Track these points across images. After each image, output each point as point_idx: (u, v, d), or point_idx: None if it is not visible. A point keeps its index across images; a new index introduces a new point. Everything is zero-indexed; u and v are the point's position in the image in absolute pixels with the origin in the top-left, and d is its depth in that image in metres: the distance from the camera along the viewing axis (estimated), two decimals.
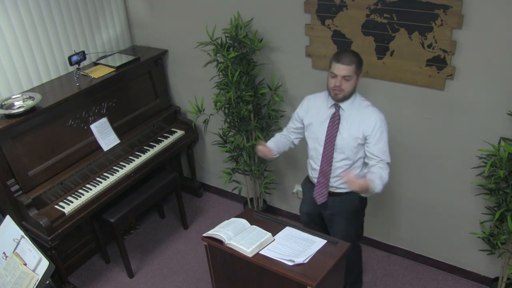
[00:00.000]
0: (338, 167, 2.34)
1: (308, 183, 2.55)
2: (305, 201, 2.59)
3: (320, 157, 2.37)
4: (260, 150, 2.42)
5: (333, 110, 2.31)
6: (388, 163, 2.26)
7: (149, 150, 3.32)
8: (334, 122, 2.30)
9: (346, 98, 2.26)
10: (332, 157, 2.33)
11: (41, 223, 2.63)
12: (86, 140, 3.05)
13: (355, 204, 2.43)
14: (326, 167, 2.36)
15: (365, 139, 2.26)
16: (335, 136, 2.30)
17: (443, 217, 2.86)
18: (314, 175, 2.45)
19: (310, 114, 2.41)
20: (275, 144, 2.50)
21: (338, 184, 2.38)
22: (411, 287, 2.97)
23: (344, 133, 2.29)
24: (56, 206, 2.79)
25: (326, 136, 2.33)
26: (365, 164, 2.36)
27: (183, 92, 3.66)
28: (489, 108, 2.42)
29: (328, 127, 2.32)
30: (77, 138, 3.01)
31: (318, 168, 2.39)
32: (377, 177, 2.18)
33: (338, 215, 2.43)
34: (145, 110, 3.46)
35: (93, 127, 3.08)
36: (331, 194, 2.41)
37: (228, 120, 3.11)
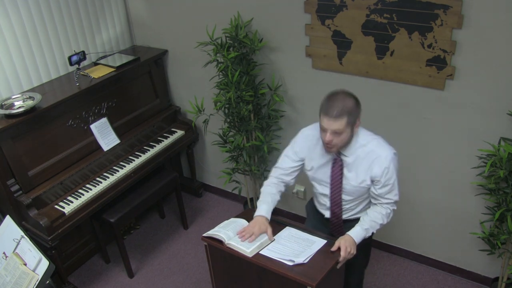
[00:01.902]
0: (345, 204, 2.20)
1: (314, 208, 2.38)
2: (310, 223, 2.45)
3: (328, 198, 2.20)
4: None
5: (334, 155, 2.09)
6: (395, 201, 2.11)
7: (149, 150, 3.32)
8: (337, 168, 2.10)
9: (342, 149, 2.04)
10: (341, 200, 2.17)
11: (41, 223, 2.63)
12: (86, 140, 3.05)
13: None
14: (337, 209, 2.20)
15: (373, 181, 2.07)
16: (341, 181, 2.11)
17: (443, 217, 2.86)
18: (322, 208, 2.29)
19: (311, 156, 2.16)
20: (272, 206, 2.19)
21: (348, 216, 2.25)
22: (411, 287, 2.97)
23: (350, 179, 2.09)
24: (56, 206, 2.79)
25: (331, 181, 2.13)
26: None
27: (183, 92, 3.66)
28: (489, 108, 2.42)
29: (331, 172, 2.12)
30: (77, 138, 3.01)
31: (327, 205, 2.24)
32: (366, 225, 2.07)
33: None
34: (145, 110, 3.46)
35: (93, 127, 3.08)
36: (345, 220, 2.27)
37: (228, 120, 3.11)
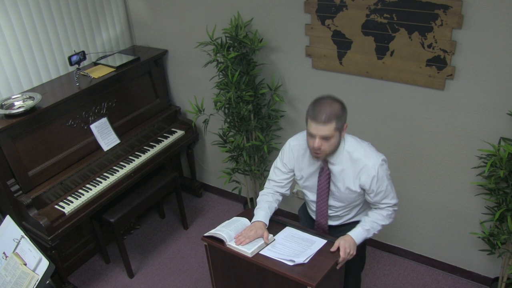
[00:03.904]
0: (336, 211, 2.18)
1: (306, 213, 2.38)
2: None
3: (314, 204, 2.20)
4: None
5: (319, 162, 2.06)
6: (394, 204, 2.09)
7: (149, 150, 3.32)
8: (325, 177, 2.07)
9: (330, 156, 2.00)
10: (327, 210, 2.17)
11: (41, 223, 2.63)
12: (86, 140, 3.05)
13: None
14: (322, 220, 2.21)
15: (364, 190, 2.05)
16: (327, 191, 2.09)
17: (443, 217, 2.86)
18: (313, 214, 2.29)
19: (299, 166, 2.15)
20: (270, 213, 2.18)
21: (338, 223, 2.24)
22: (411, 287, 2.97)
23: (339, 187, 2.06)
24: (56, 206, 2.79)
25: (317, 191, 2.12)
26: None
27: (183, 92, 3.66)
28: (489, 108, 2.42)
29: (318, 182, 2.10)
30: (77, 138, 3.01)
31: (314, 210, 2.25)
32: (367, 226, 2.05)
33: None
34: (145, 110, 3.46)
35: (93, 127, 3.08)
36: (333, 226, 2.26)
37: (228, 120, 3.11)
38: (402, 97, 2.66)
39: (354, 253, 2.02)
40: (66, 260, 3.19)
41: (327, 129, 1.86)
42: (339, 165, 2.03)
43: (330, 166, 2.05)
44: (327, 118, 1.85)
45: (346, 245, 1.99)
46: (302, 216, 2.47)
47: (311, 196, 2.21)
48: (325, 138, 1.89)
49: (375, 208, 2.14)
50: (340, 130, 1.92)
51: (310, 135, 1.93)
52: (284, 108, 3.12)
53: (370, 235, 2.10)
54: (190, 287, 3.12)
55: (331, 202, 2.16)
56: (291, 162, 2.18)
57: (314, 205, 2.23)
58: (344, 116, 1.92)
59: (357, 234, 2.06)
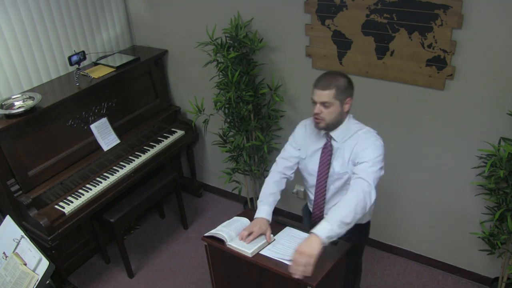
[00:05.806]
0: (335, 195, 2.15)
1: (308, 211, 2.37)
2: (305, 225, 2.42)
3: (314, 189, 2.19)
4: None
5: (325, 140, 2.09)
6: (369, 182, 1.89)
7: (149, 150, 3.32)
8: (326, 154, 2.08)
9: (331, 127, 2.03)
10: (325, 191, 2.14)
11: (41, 223, 2.63)
12: (86, 140, 3.05)
13: (355, 232, 2.19)
14: (320, 200, 2.19)
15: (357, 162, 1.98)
16: (328, 169, 2.09)
17: (443, 217, 2.86)
18: (310, 204, 2.29)
19: (306, 142, 2.17)
20: (273, 207, 2.16)
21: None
22: (411, 287, 2.97)
23: (336, 166, 2.07)
24: (56, 206, 2.79)
25: (318, 169, 2.12)
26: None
27: (183, 92, 3.66)
28: (489, 108, 2.42)
29: (320, 159, 2.11)
30: (77, 138, 3.01)
31: (313, 198, 2.23)
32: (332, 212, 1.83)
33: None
34: (145, 110, 3.46)
35: (93, 127, 3.08)
36: None
37: (228, 120, 3.11)
38: (402, 97, 2.66)
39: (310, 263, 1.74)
40: (66, 260, 3.19)
41: (326, 94, 1.94)
42: (340, 142, 2.06)
43: (333, 142, 2.08)
44: (326, 85, 1.94)
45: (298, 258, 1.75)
46: (304, 214, 2.46)
47: (311, 180, 2.19)
48: (324, 104, 1.95)
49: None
50: (341, 100, 1.97)
51: (313, 103, 2.00)
52: (284, 108, 3.12)
53: (341, 229, 1.80)
54: (190, 287, 3.12)
55: (328, 186, 2.14)
56: (300, 137, 2.21)
57: (313, 190, 2.21)
58: (348, 89, 1.98)
59: (322, 230, 1.78)
